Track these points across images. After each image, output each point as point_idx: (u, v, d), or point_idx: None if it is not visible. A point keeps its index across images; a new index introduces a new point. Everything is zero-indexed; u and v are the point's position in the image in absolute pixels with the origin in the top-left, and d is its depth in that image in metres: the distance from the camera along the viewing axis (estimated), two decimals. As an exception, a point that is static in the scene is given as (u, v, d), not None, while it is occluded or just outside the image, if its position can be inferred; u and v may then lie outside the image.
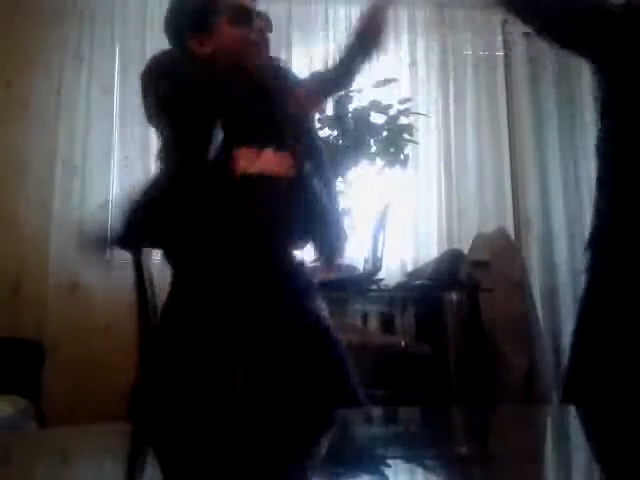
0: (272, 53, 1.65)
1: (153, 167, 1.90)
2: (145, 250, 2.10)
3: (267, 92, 1.53)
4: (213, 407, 1.33)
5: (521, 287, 2.65)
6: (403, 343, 2.46)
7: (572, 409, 1.21)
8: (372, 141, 2.67)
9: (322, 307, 1.55)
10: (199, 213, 1.43)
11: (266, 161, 1.44)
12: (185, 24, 1.50)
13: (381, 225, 2.48)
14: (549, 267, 3.39)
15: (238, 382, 1.42)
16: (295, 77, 1.65)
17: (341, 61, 1.59)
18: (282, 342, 1.43)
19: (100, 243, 1.50)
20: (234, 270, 1.44)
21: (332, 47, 3.34)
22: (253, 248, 1.45)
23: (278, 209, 1.47)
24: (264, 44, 1.55)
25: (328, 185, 1.59)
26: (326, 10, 3.44)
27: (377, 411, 1.21)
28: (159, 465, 0.78)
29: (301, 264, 1.58)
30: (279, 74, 1.61)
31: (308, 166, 1.51)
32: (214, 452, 0.75)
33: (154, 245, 1.60)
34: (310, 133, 1.62)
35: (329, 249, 1.59)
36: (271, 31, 1.60)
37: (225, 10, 1.49)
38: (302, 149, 1.51)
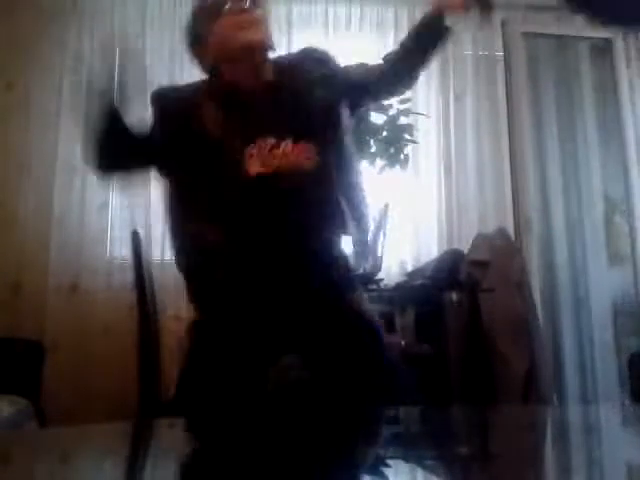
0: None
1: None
2: (145, 250, 2.10)
3: (278, 86, 1.51)
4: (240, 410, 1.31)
5: (521, 287, 2.65)
6: (403, 343, 2.46)
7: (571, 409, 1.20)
8: (372, 141, 2.67)
9: (363, 299, 1.52)
10: (225, 216, 1.43)
11: (281, 156, 1.42)
12: (191, 42, 1.57)
13: (381, 225, 2.48)
14: (549, 267, 3.39)
15: (269, 385, 1.40)
16: (332, 67, 1.59)
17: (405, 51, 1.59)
18: (326, 339, 1.41)
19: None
20: (269, 269, 1.43)
21: (332, 47, 3.34)
22: (283, 245, 1.42)
23: (300, 205, 1.43)
24: (253, 21, 1.49)
25: (352, 178, 1.53)
26: (326, 10, 3.44)
27: (377, 411, 1.21)
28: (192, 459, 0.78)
29: (338, 257, 1.51)
30: (302, 64, 1.56)
31: (331, 157, 1.47)
32: (217, 450, 0.75)
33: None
34: (335, 125, 1.53)
35: (361, 242, 1.55)
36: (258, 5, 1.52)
37: (204, 12, 1.52)
38: (323, 140, 1.47)
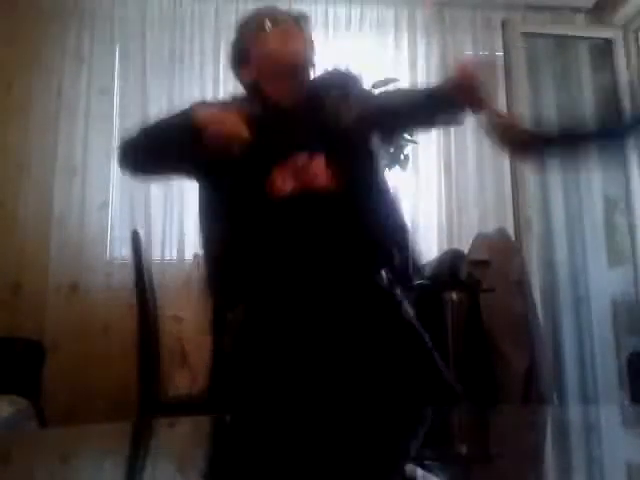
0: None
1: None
2: (145, 250, 2.10)
3: (313, 104, 1.52)
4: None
5: (521, 287, 2.64)
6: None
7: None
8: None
9: (408, 316, 1.49)
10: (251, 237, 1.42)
11: (305, 177, 1.41)
12: (233, 59, 1.65)
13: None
14: (549, 267, 3.39)
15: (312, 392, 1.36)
16: (358, 90, 1.62)
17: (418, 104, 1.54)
18: (368, 342, 1.39)
19: None
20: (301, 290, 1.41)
21: (332, 47, 3.34)
22: (312, 269, 1.40)
23: (324, 226, 1.41)
24: (298, 39, 1.57)
25: (382, 197, 1.51)
26: (326, 10, 3.44)
27: (377, 411, 1.21)
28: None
29: (377, 280, 1.46)
30: (333, 85, 1.59)
31: (356, 177, 1.46)
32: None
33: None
34: (362, 146, 1.53)
35: (400, 264, 1.49)
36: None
37: (250, 27, 1.59)
38: (349, 161, 1.46)
